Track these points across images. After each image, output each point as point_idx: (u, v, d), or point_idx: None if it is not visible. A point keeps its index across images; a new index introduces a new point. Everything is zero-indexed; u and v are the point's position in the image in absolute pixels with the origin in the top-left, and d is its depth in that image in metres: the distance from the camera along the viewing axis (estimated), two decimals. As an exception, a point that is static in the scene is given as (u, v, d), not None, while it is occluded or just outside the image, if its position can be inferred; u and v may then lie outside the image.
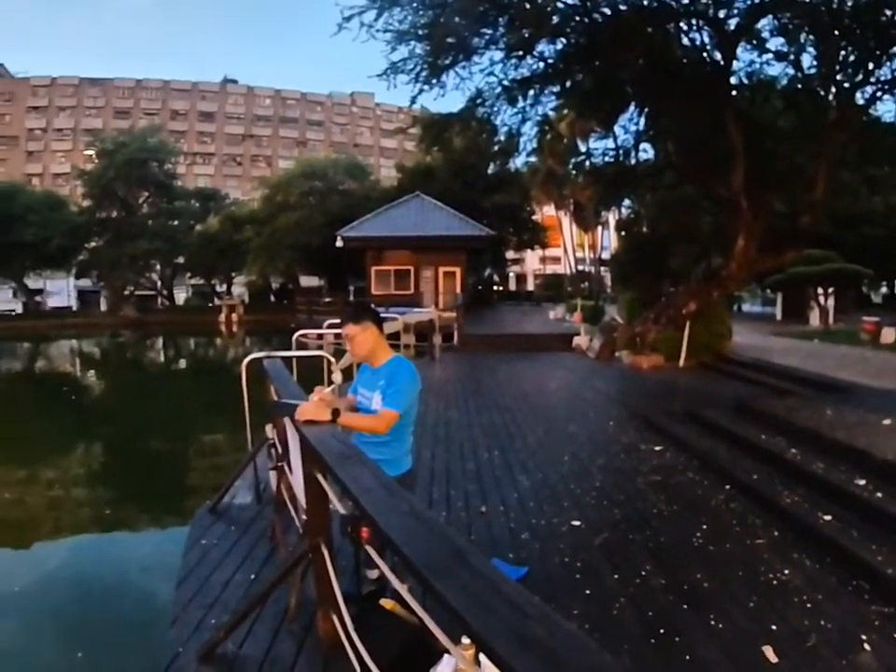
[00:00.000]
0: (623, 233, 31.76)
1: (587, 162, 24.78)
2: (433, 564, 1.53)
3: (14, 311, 62.51)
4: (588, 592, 4.15)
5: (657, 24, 14.10)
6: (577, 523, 5.38)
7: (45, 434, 14.90)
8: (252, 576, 4.46)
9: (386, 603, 2.87)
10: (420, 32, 13.96)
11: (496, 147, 28.45)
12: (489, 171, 45.34)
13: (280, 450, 4.39)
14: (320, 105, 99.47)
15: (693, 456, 7.42)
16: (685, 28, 14.55)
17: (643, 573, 4.40)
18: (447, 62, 14.87)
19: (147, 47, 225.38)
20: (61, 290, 68.10)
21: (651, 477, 6.63)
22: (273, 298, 59.70)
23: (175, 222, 56.75)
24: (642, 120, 18.16)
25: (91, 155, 59.35)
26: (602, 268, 52.99)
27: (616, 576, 4.36)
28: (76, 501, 9.74)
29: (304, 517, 3.38)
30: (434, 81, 15.02)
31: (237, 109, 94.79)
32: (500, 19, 13.83)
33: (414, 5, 13.55)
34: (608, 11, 13.69)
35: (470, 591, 1.37)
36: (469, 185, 41.58)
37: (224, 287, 63.29)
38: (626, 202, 30.13)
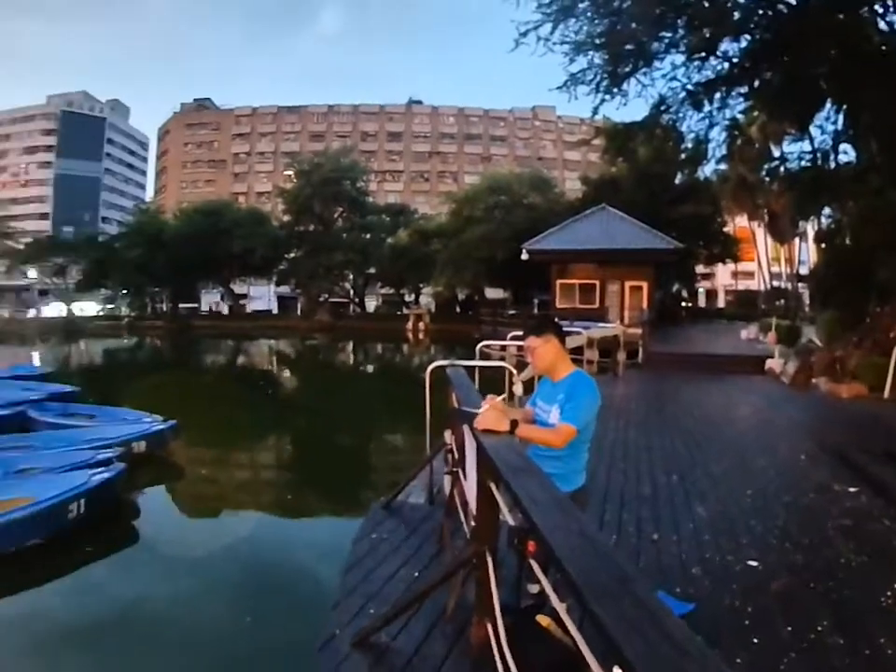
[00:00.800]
0: (822, 246, 28.91)
1: (781, 168, 23.44)
2: (595, 586, 1.45)
3: (221, 312, 69.72)
4: (756, 640, 3.74)
5: (848, 10, 12.96)
6: (753, 563, 4.88)
7: (242, 421, 16.26)
8: (415, 573, 4.51)
9: (542, 619, 2.79)
10: (597, 41, 13.74)
11: (682, 155, 27.17)
12: (676, 180, 43.41)
13: (456, 456, 4.42)
14: (503, 120, 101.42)
15: (891, 502, 6.48)
16: (881, 11, 13.30)
17: (819, 629, 3.86)
18: (627, 69, 14.51)
19: (337, 73, 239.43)
20: (262, 295, 74.99)
21: (841, 521, 5.85)
22: (458, 309, 60.80)
23: (367, 236, 60.40)
24: (840, 118, 16.91)
25: (290, 175, 65.35)
26: (799, 284, 49.12)
27: (789, 628, 3.87)
28: (262, 483, 10.55)
29: (473, 523, 3.35)
30: (615, 90, 14.74)
31: (423, 128, 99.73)
32: (679, 20, 13.34)
33: (589, 14, 13.34)
34: (792, 2, 12.78)
35: (630, 620, 1.29)
36: (655, 195, 40.07)
37: (412, 296, 65.89)
38: (826, 210, 27.77)
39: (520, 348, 9.46)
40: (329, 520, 8.35)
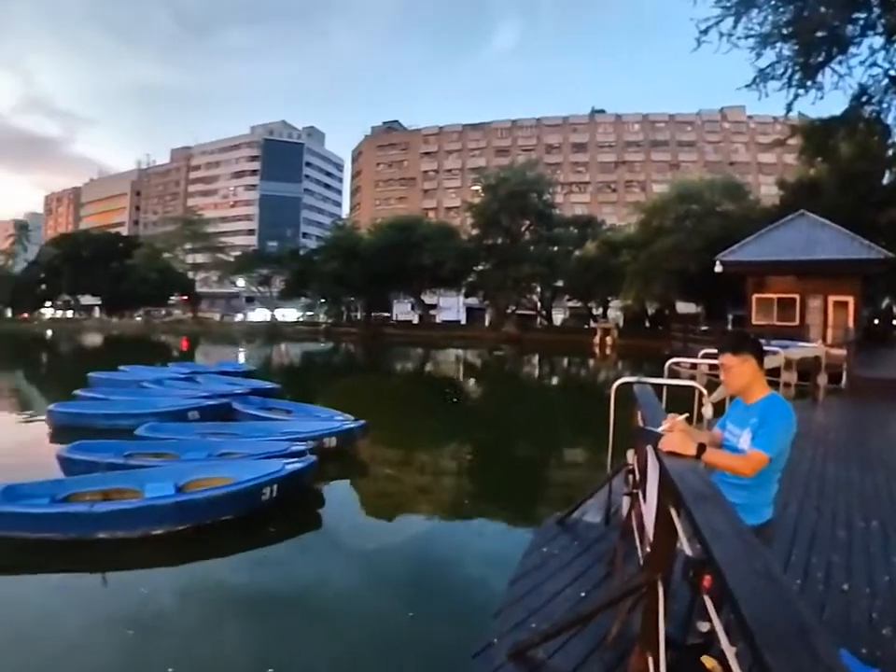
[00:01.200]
0: None
1: None
2: (772, 634, 1.35)
3: (411, 321, 72.74)
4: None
5: None
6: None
7: (426, 426, 16.77)
8: (582, 593, 4.42)
9: (708, 661, 2.67)
10: (784, 31, 12.72)
11: (890, 151, 24.23)
12: (885, 180, 37.80)
13: (637, 477, 4.30)
14: (690, 124, 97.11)
15: None
16: None
17: None
18: (820, 59, 13.29)
19: (518, 87, 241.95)
20: (452, 306, 77.21)
21: None
22: (647, 323, 59.06)
23: (555, 248, 60.24)
24: None
25: (477, 190, 66.54)
26: None
27: None
28: (441, 486, 10.77)
29: (648, 550, 3.21)
30: (809, 83, 13.59)
31: (607, 138, 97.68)
32: (873, -2, 12.06)
33: (773, 3, 12.43)
34: None
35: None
36: (860, 198, 35.10)
37: (600, 310, 64.85)
38: None
39: (713, 367, 9.11)
40: (501, 529, 8.35)
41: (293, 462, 8.83)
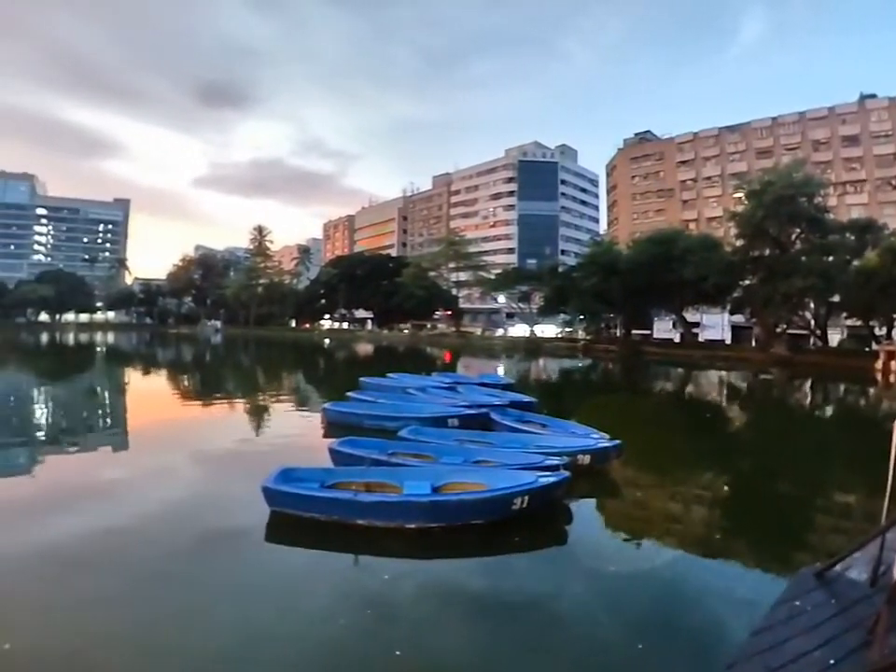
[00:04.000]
0: None
1: None
2: None
3: (672, 339, 69.75)
4: None
5: None
6: None
7: (682, 451, 16.13)
8: (832, 660, 3.87)
9: None
10: None
11: None
12: None
13: None
14: None
15: None
16: None
17: None
18: None
19: (774, 81, 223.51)
20: (716, 324, 72.68)
21: None
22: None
23: (829, 258, 52.75)
24: None
25: (739, 197, 61.51)
26: None
27: None
28: (691, 517, 10.08)
29: None
30: None
31: (882, 126, 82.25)
32: None
33: None
34: None
35: None
36: None
37: (884, 329, 55.04)
38: None
39: None
40: (750, 572, 7.65)
41: (546, 475, 8.90)
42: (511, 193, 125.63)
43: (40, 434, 17.41)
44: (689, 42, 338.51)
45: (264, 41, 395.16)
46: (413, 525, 8.06)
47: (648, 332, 76.15)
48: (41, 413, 21.86)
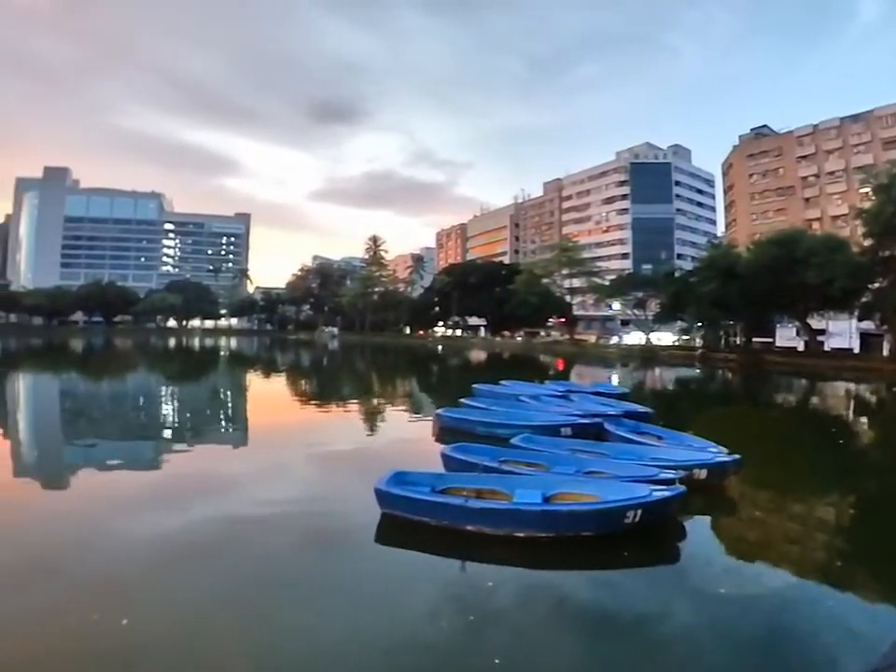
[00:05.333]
0: None
1: None
2: None
3: (796, 348, 65.86)
4: None
5: None
6: None
7: (804, 468, 15.22)
8: None
9: None
10: None
11: None
12: None
13: None
14: None
15: None
16: None
17: None
18: None
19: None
20: (842, 332, 67.48)
21: None
22: None
23: None
24: None
25: (866, 192, 57.41)
26: None
27: None
28: (811, 542, 9.39)
29: None
30: None
31: None
32: None
33: None
34: None
35: None
36: None
37: None
38: None
39: None
40: (871, 605, 7.08)
41: (660, 489, 8.65)
42: (623, 197, 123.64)
43: (167, 430, 18.84)
44: (802, 29, 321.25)
45: (369, 57, 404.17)
46: (522, 534, 8.08)
47: (769, 340, 72.32)
48: (168, 411, 23.57)
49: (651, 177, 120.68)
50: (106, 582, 6.98)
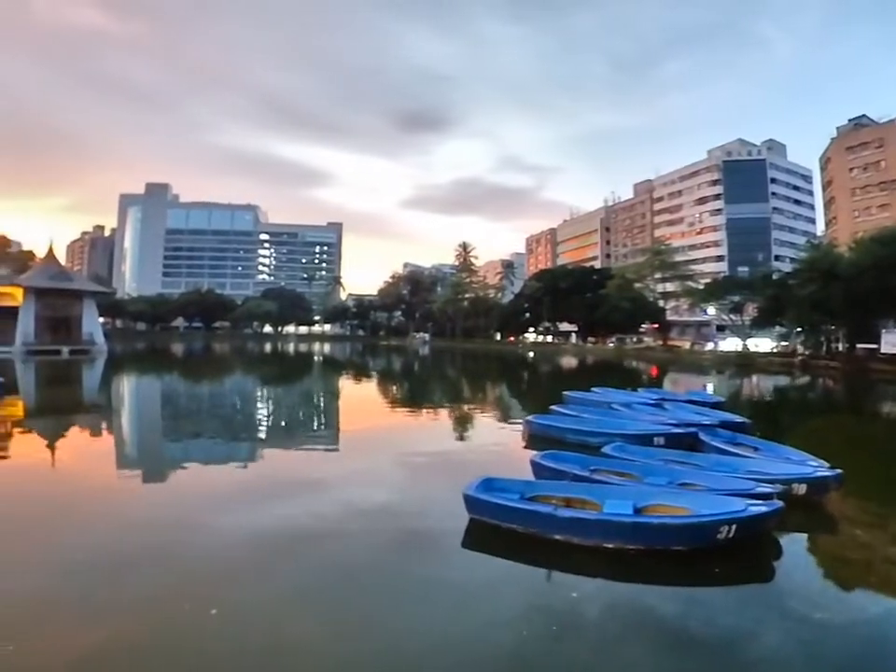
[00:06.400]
0: None
1: None
2: None
3: None
4: None
5: None
6: None
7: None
8: None
9: None
10: None
11: None
12: None
13: None
14: None
15: None
16: None
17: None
18: None
19: None
20: None
21: None
22: None
23: None
24: None
25: None
26: None
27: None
28: None
29: None
30: None
31: None
32: None
33: None
34: None
35: None
36: None
37: None
38: None
39: None
40: None
41: (757, 504, 8.34)
42: (717, 197, 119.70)
43: (262, 431, 19.71)
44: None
45: (453, 65, 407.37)
46: (610, 545, 8.01)
47: (874, 347, 68.40)
48: (263, 413, 24.65)
49: (744, 175, 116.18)
50: (200, 574, 7.44)
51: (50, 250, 70.57)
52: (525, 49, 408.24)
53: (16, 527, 9.10)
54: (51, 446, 16.14)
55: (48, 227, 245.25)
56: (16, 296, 63.21)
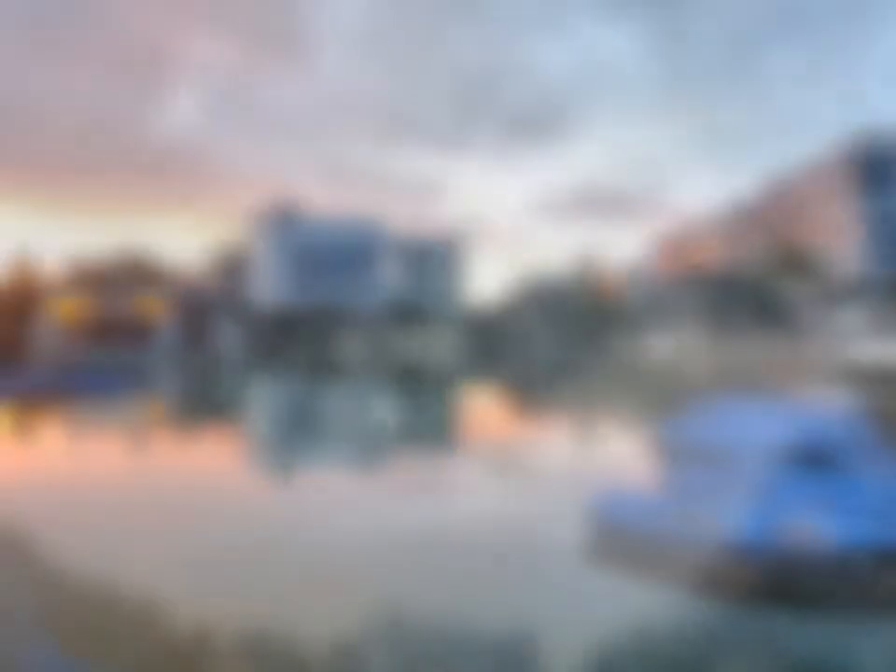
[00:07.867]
0: None
1: None
2: None
3: None
4: None
5: None
6: None
7: None
8: None
9: None
10: None
11: None
12: None
13: None
14: None
15: None
16: None
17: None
18: None
19: None
20: None
21: None
22: None
23: None
24: None
25: None
26: None
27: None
28: None
29: None
30: None
31: None
32: None
33: None
34: None
35: None
36: None
37: None
38: None
39: None
40: None
41: None
42: (855, 189, 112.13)
43: (390, 435, 21.09)
44: None
45: (564, 71, 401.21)
46: (743, 565, 7.64)
47: None
48: (393, 418, 25.91)
49: (884, 167, 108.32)
50: (320, 570, 7.93)
51: (188, 267, 78.05)
52: (631, 46, 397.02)
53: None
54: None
55: (184, 243, 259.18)
56: (158, 308, 70.60)
